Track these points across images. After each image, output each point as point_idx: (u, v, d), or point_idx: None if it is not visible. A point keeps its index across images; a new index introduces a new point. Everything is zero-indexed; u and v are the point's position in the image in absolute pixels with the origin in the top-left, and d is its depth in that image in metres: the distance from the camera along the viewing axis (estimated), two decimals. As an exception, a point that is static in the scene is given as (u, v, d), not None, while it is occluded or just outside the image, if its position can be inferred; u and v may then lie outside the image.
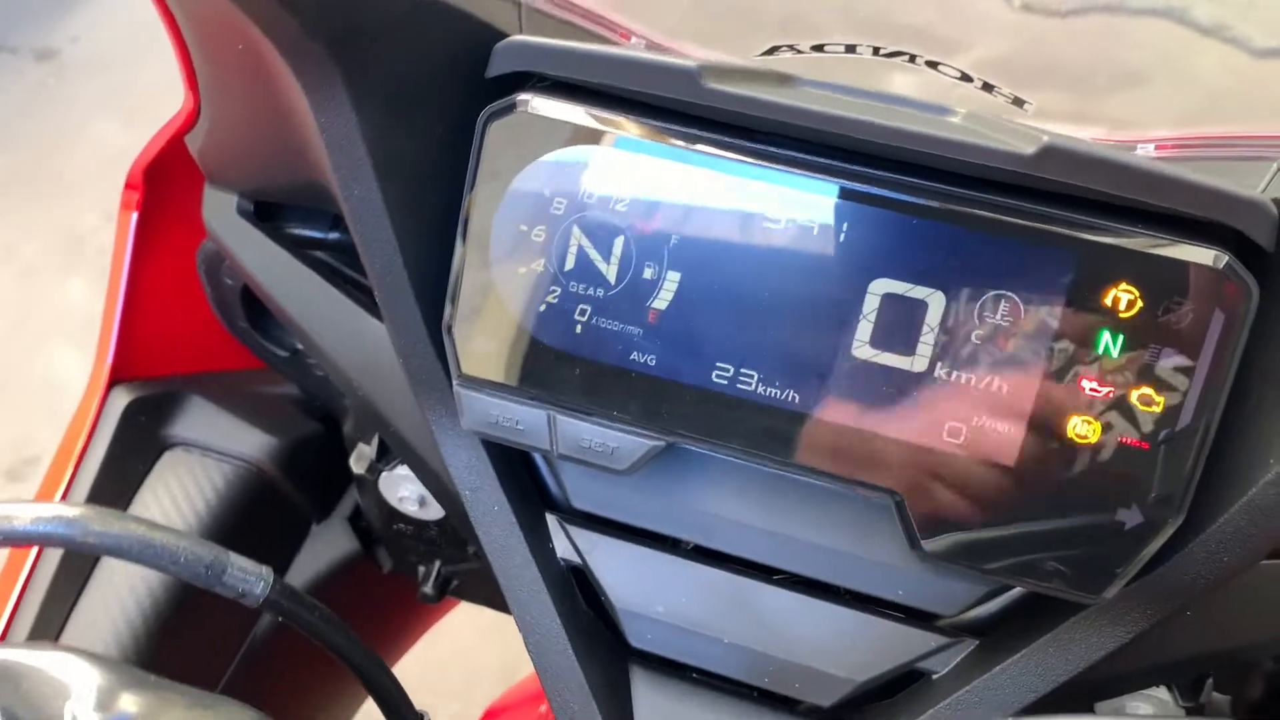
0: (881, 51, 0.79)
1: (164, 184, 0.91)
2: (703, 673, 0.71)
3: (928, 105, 0.61)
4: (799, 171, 0.59)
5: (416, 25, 0.60)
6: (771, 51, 0.82)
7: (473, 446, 0.70)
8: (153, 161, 0.89)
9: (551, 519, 0.71)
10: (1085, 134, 0.75)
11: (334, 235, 0.85)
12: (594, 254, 0.62)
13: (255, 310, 0.95)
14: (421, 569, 1.03)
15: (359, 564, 1.04)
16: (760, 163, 0.59)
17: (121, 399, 0.92)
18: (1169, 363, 0.56)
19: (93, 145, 3.18)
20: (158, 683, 0.50)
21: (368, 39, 0.58)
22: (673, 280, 0.61)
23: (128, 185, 0.90)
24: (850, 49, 0.80)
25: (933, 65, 0.80)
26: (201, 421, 0.95)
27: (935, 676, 0.67)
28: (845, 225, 0.59)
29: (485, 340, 0.64)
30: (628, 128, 0.61)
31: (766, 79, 0.61)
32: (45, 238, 2.90)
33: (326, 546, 1.03)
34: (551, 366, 0.63)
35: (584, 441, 0.64)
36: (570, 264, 0.62)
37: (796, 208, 0.59)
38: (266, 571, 0.60)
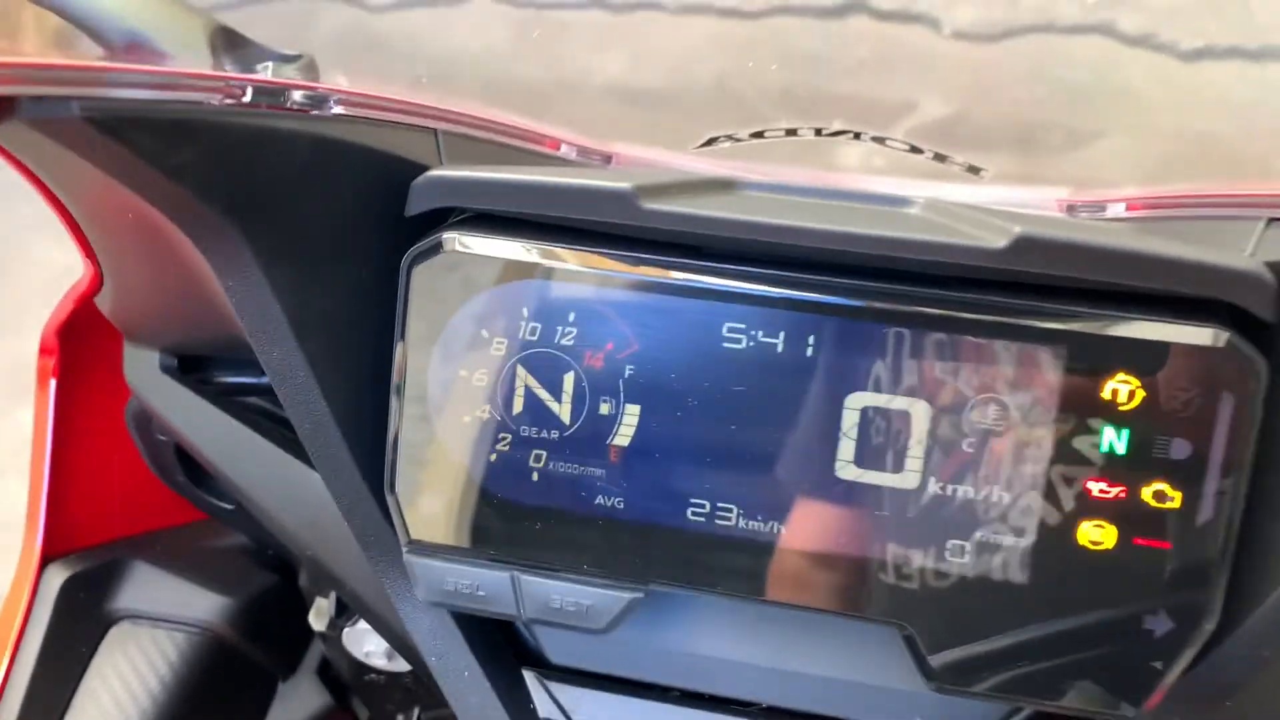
0: (824, 132, 0.75)
1: (81, 342, 0.85)
2: None
3: (882, 198, 0.56)
4: (755, 287, 0.54)
5: (320, 171, 0.55)
6: (710, 142, 0.77)
7: (434, 609, 0.64)
8: (65, 322, 0.83)
9: (530, 676, 0.65)
10: (1048, 196, 0.71)
11: (266, 379, 0.80)
12: (543, 394, 0.57)
13: (192, 463, 0.88)
14: (400, 717, 0.96)
15: (334, 718, 0.97)
16: (712, 281, 0.54)
17: (57, 576, 0.85)
18: (1180, 453, 0.52)
19: (37, 267, 3.10)
20: None
21: (267, 195, 0.53)
22: (632, 414, 0.56)
23: (42, 351, 0.84)
24: (791, 132, 0.76)
25: (879, 140, 0.76)
26: (147, 590, 0.88)
27: None
28: (812, 339, 0.54)
29: (433, 499, 0.58)
30: (566, 257, 0.56)
31: (707, 188, 0.56)
32: (-11, 367, 2.81)
33: (298, 704, 0.96)
34: (509, 522, 0.58)
35: (554, 602, 0.58)
36: (518, 407, 0.57)
37: (758, 325, 0.54)
38: None
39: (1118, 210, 0.67)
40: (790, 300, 0.54)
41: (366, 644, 0.84)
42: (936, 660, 0.55)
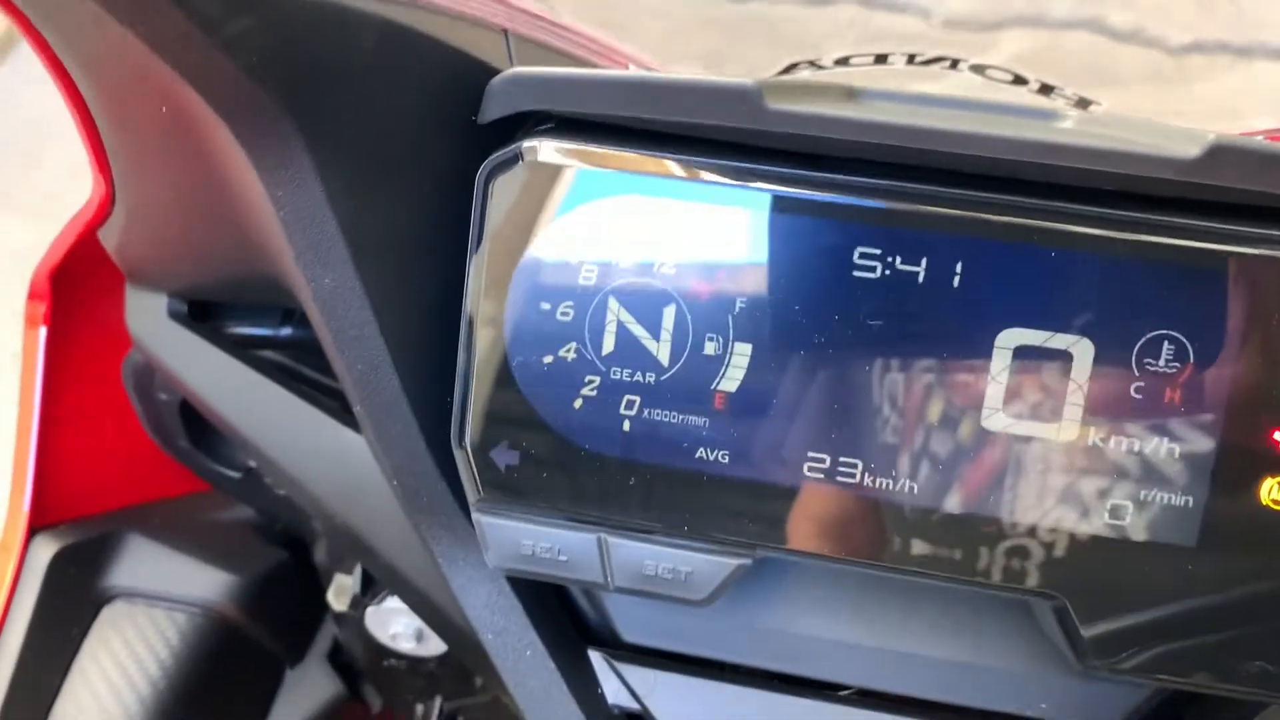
0: (918, 59, 0.68)
1: (76, 289, 0.77)
2: None
3: (1030, 110, 0.49)
4: (896, 204, 0.47)
5: (386, 62, 0.47)
6: (789, 69, 0.70)
7: (493, 579, 0.57)
8: (60, 263, 0.74)
9: (596, 656, 0.58)
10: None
11: (286, 331, 0.71)
12: (639, 330, 0.49)
13: (197, 426, 0.80)
14: (420, 707, 0.88)
15: (344, 707, 0.89)
16: (845, 197, 0.47)
17: (46, 549, 0.77)
18: (1384, 399, 0.45)
19: (-9, 244, 2.98)
20: None
21: (329, 84, 0.45)
22: (742, 354, 0.48)
23: (31, 295, 0.75)
24: (880, 59, 0.69)
25: (978, 70, 0.69)
26: (144, 565, 0.80)
27: None
28: (960, 265, 0.46)
29: (508, 452, 0.51)
30: (671, 168, 0.48)
31: (833, 94, 0.49)
32: (-55, 349, 2.69)
33: (306, 692, 0.88)
34: (597, 477, 0.50)
35: (647, 568, 0.50)
36: (610, 346, 0.49)
37: (896, 250, 0.47)
38: None
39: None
40: (936, 218, 0.46)
41: (393, 625, 0.76)
42: (1090, 633, 0.48)
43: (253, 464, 0.82)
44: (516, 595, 0.57)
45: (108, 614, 0.79)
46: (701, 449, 0.49)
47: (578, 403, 0.50)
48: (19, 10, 0.42)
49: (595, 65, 0.61)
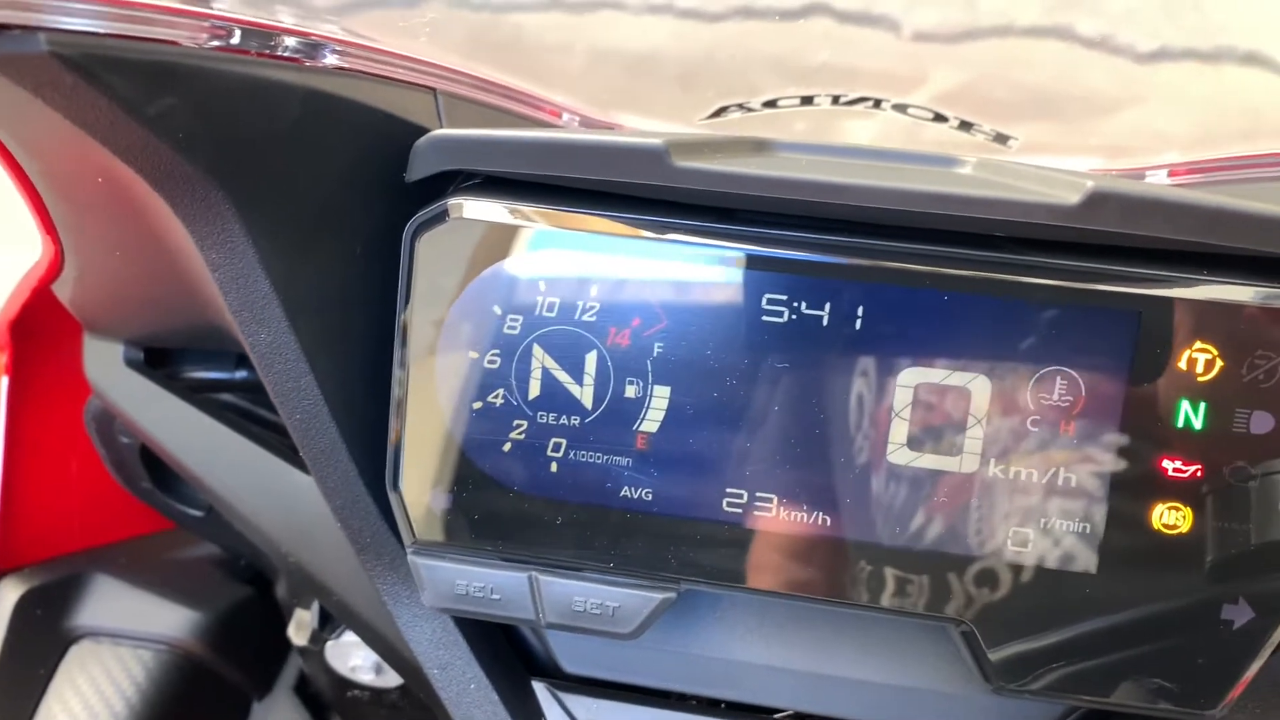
0: (842, 100, 0.70)
1: (35, 338, 0.79)
2: None
3: (929, 157, 0.52)
4: (799, 253, 0.49)
5: (313, 129, 0.50)
6: (719, 113, 0.72)
7: (437, 616, 0.59)
8: (17, 316, 0.76)
9: (540, 688, 0.60)
10: (1083, 165, 0.67)
11: (241, 374, 0.74)
12: (563, 376, 0.51)
13: (159, 468, 0.82)
14: (384, 735, 0.90)
15: (312, 738, 0.91)
16: (750, 247, 0.49)
17: (12, 592, 0.79)
18: (1262, 427, 0.47)
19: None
20: None
21: (255, 153, 0.47)
22: (661, 396, 0.51)
23: (-8, 345, 0.77)
24: (807, 100, 0.71)
25: (900, 109, 0.71)
26: (110, 604, 0.82)
27: None
28: (861, 309, 0.49)
29: (440, 495, 0.53)
30: (587, 223, 0.50)
31: (740, 148, 0.51)
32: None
33: (273, 724, 0.89)
34: (526, 517, 0.52)
35: (576, 604, 0.52)
36: (535, 391, 0.52)
37: (801, 296, 0.49)
38: None
39: (1160, 177, 0.63)
40: (837, 267, 0.49)
41: (352, 658, 0.78)
42: (997, 657, 0.50)
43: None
44: (460, 631, 0.59)
45: (75, 653, 0.81)
46: (625, 488, 0.51)
47: (506, 446, 0.52)
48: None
49: (526, 118, 0.64)
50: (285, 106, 0.47)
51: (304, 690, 0.91)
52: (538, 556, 0.52)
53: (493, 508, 0.52)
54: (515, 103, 0.61)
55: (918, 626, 0.55)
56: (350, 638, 0.78)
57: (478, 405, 0.52)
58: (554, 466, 0.52)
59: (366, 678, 0.79)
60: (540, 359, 0.51)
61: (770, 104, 0.71)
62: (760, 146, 0.52)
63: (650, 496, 0.51)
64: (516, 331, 0.51)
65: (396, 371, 0.53)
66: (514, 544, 0.52)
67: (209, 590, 0.86)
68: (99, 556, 0.85)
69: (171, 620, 0.83)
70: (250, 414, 0.74)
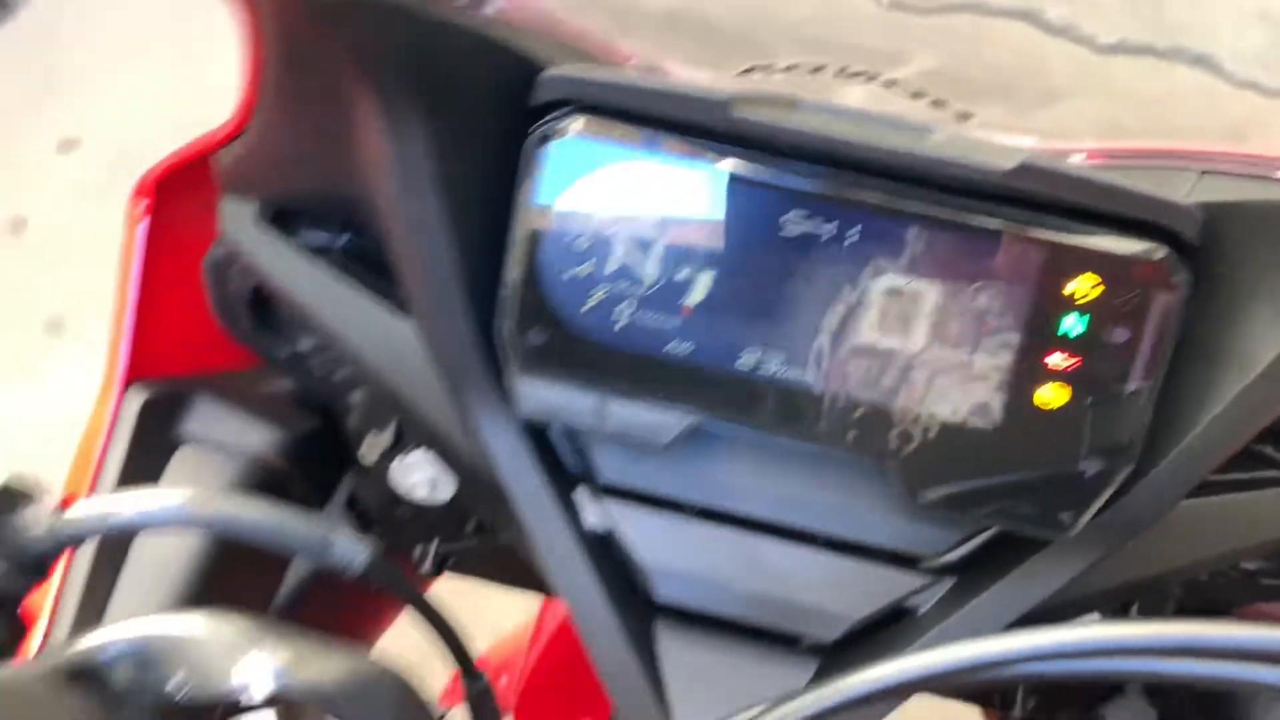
0: (847, 71, 0.90)
1: (171, 195, 0.96)
2: (719, 620, 0.81)
3: (914, 125, 0.72)
4: (814, 185, 0.69)
5: (475, 60, 0.69)
6: (748, 71, 0.92)
7: (515, 433, 0.79)
8: (163, 174, 0.94)
9: (582, 491, 0.80)
10: (1022, 142, 0.88)
11: (342, 241, 0.92)
12: (634, 259, 0.71)
13: (259, 314, 1.00)
14: (418, 548, 1.10)
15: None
16: (782, 177, 0.69)
17: (136, 399, 0.96)
18: (1121, 338, 0.69)
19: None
20: (298, 637, 0.56)
21: (444, 74, 0.66)
22: (704, 281, 0.71)
23: (137, 193, 0.95)
24: (818, 70, 0.91)
25: (889, 84, 0.91)
26: (210, 419, 1.00)
27: (919, 613, 0.79)
28: (851, 231, 0.69)
29: (539, 335, 0.72)
30: (666, 146, 0.70)
31: (779, 104, 0.71)
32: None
33: (326, 532, 1.09)
34: (599, 358, 0.72)
35: (629, 420, 0.73)
36: (612, 268, 0.71)
37: (811, 217, 0.69)
38: (366, 545, 0.68)
39: (1079, 159, 0.83)
40: (840, 199, 0.69)
41: (413, 476, 0.98)
42: (919, 485, 0.71)
43: (299, 349, 1.02)
44: (525, 444, 0.79)
45: (179, 455, 0.99)
46: (671, 342, 0.72)
47: (588, 304, 0.72)
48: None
49: (605, 60, 0.83)
50: (462, 40, 0.67)
51: (353, 507, 1.11)
52: (605, 387, 0.73)
53: (574, 349, 0.72)
54: (596, 48, 0.80)
55: (865, 467, 0.76)
56: (412, 459, 0.98)
57: (568, 275, 0.72)
58: (621, 323, 0.72)
59: (421, 494, 0.99)
60: (619, 245, 0.71)
61: (789, 69, 0.91)
62: (792, 103, 0.71)
63: (688, 350, 0.71)
64: (603, 223, 0.71)
65: (511, 243, 0.72)
66: (589, 377, 0.73)
67: (288, 417, 1.04)
68: (201, 382, 1.03)
69: (257, 436, 1.01)
70: (351, 269, 0.93)
